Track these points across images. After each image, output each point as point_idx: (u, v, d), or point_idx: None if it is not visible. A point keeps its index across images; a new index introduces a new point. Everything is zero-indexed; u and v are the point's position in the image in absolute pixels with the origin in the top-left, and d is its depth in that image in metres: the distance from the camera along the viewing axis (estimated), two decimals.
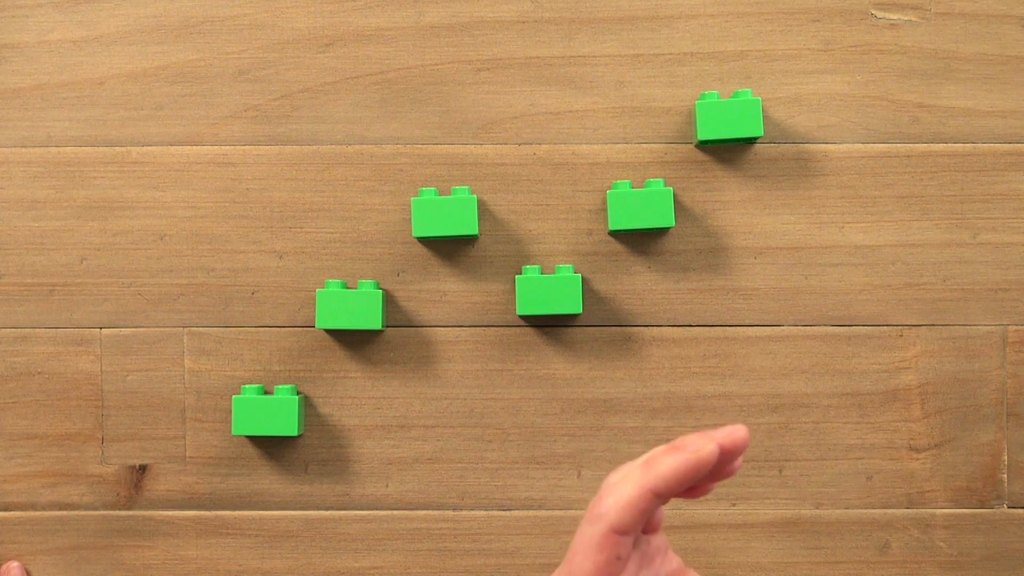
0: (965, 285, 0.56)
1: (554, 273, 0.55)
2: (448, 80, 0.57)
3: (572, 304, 0.54)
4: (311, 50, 0.57)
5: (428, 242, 0.57)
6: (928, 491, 0.56)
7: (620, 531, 0.35)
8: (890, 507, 0.56)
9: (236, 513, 0.57)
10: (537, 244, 0.57)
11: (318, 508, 0.57)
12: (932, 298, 0.56)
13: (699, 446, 0.35)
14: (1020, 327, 0.56)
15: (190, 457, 0.57)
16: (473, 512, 0.57)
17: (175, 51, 0.57)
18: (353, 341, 0.57)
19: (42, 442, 0.57)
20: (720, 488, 0.56)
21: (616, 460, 0.56)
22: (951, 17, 0.56)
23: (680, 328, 0.56)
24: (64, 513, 0.57)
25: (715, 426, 0.56)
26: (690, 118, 0.56)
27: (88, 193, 0.57)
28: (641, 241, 0.56)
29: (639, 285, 0.56)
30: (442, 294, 0.57)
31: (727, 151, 0.57)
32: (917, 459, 0.56)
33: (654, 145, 0.57)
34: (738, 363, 0.56)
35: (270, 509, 0.57)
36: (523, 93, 0.57)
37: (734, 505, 0.56)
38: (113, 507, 0.57)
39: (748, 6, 0.56)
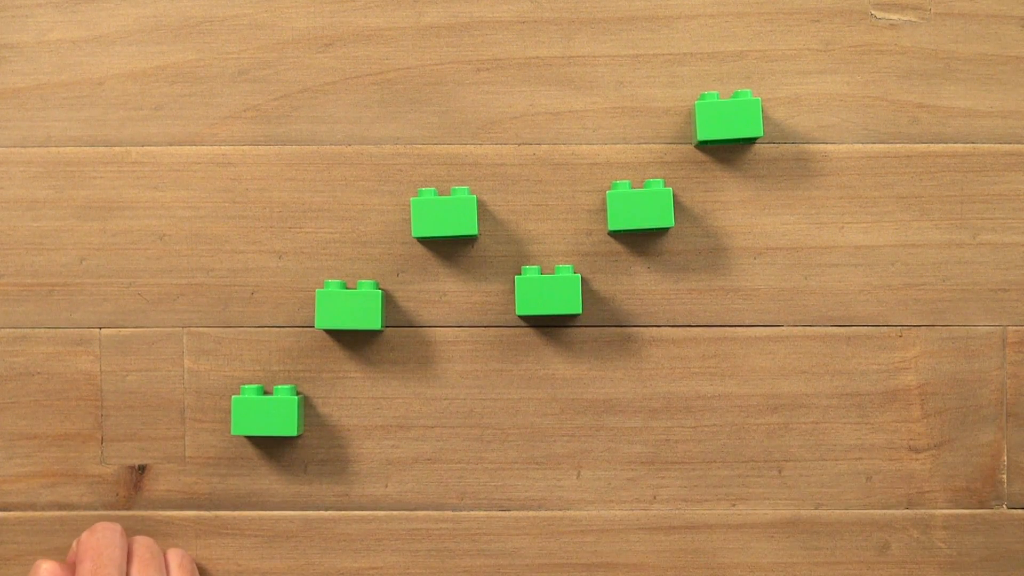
0: (965, 285, 0.56)
1: (554, 273, 0.55)
2: (448, 80, 0.57)
3: (572, 304, 0.54)
4: (311, 50, 0.57)
5: (428, 242, 0.57)
6: (928, 491, 0.56)
7: None
8: (890, 507, 0.56)
9: (236, 513, 0.57)
10: (537, 244, 0.57)
11: (317, 508, 0.57)
12: (932, 298, 0.56)
13: None
14: (1020, 327, 0.56)
15: (189, 457, 0.57)
16: (473, 512, 0.57)
17: (175, 51, 0.57)
18: (353, 341, 0.57)
19: (41, 442, 0.57)
20: (720, 488, 0.56)
21: (615, 460, 0.56)
22: (951, 17, 0.56)
23: (680, 328, 0.56)
24: (64, 513, 0.57)
25: (714, 426, 0.56)
26: (690, 118, 0.56)
27: (88, 193, 0.57)
28: (641, 241, 0.56)
29: (639, 285, 0.56)
30: (442, 294, 0.57)
31: (727, 151, 0.57)
32: (917, 459, 0.56)
33: (654, 145, 0.57)
34: (738, 363, 0.56)
35: (269, 509, 0.57)
36: (523, 93, 0.57)
37: (733, 505, 0.56)
38: (113, 507, 0.57)
39: (748, 6, 0.56)
